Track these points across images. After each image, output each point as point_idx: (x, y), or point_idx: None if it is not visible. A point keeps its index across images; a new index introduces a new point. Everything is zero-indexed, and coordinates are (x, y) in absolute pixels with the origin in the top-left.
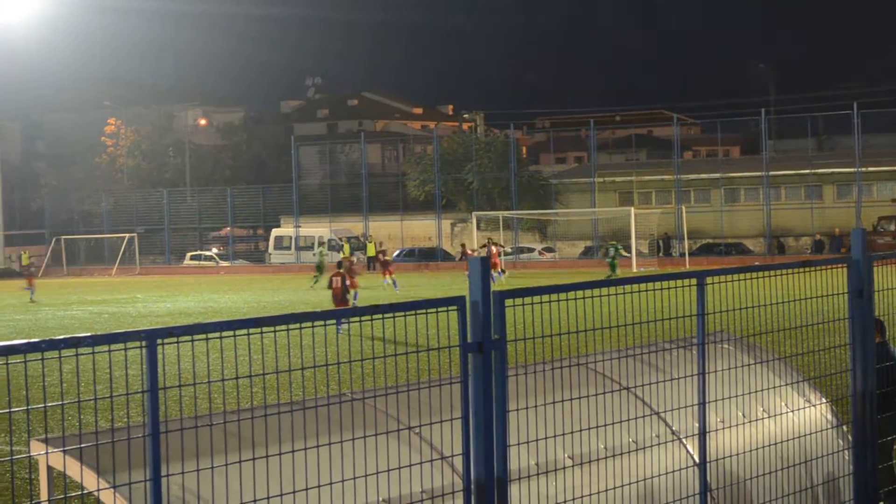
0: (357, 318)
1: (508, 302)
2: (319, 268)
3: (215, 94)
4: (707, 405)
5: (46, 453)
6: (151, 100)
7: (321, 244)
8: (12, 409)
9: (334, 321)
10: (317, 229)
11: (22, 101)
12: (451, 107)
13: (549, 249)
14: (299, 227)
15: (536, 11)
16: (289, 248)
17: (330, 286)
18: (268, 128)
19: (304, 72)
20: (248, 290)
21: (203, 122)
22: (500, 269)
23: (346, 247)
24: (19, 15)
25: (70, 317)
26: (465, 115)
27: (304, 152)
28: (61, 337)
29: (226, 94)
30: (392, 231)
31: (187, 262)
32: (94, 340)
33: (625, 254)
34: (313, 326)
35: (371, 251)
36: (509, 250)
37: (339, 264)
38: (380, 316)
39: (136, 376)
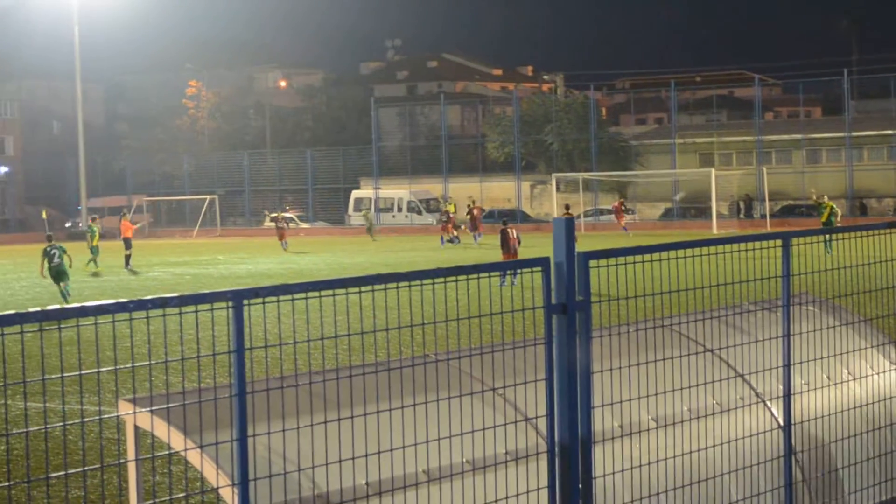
0: (442, 279)
1: (593, 263)
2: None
3: (295, 55)
4: (792, 367)
5: (134, 413)
6: (232, 62)
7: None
8: (100, 369)
9: (419, 281)
10: (396, 191)
11: (105, 63)
12: (530, 68)
13: (630, 211)
14: (379, 188)
15: None
16: (369, 209)
17: (505, 238)
18: (348, 89)
19: (384, 33)
20: (328, 252)
21: (283, 83)
22: (479, 232)
23: (451, 206)
24: None
25: (152, 278)
26: (545, 77)
27: (383, 114)
28: (149, 297)
29: (306, 56)
30: (471, 193)
31: (267, 223)
32: (181, 301)
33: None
34: (398, 287)
35: (452, 211)
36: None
37: (504, 221)
38: (464, 277)
39: (220, 337)
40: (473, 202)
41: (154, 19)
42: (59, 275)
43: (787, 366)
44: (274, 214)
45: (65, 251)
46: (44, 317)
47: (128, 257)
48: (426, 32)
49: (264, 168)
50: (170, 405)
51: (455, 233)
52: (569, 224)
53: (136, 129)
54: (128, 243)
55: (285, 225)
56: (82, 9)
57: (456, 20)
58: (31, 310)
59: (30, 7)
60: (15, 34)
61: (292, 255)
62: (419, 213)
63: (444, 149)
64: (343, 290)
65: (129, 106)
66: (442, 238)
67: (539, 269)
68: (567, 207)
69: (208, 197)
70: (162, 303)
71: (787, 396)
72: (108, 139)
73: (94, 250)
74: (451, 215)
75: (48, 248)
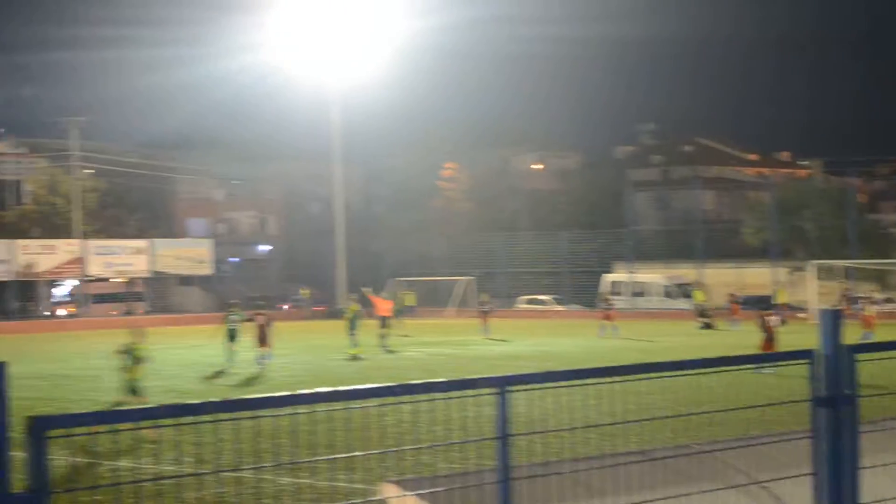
0: (703, 370)
1: (862, 356)
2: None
3: (551, 139)
4: None
5: (402, 496)
6: (488, 144)
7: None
8: (369, 452)
9: (681, 371)
10: (651, 275)
11: (363, 145)
12: (787, 153)
13: (891, 300)
14: (633, 272)
15: (879, 53)
16: (622, 293)
17: (764, 327)
18: (602, 173)
19: (639, 117)
20: (581, 335)
21: (538, 166)
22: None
23: (698, 293)
24: (366, 66)
25: (407, 357)
26: (802, 162)
27: (638, 198)
28: (416, 382)
29: (561, 139)
30: (726, 279)
31: (521, 305)
32: (448, 386)
33: None
34: (661, 377)
35: (699, 298)
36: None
37: (764, 308)
38: (732, 367)
39: (473, 418)
40: (732, 295)
41: (412, 102)
42: (232, 336)
43: None
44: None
45: (242, 318)
46: (312, 399)
47: (383, 336)
48: (681, 117)
49: (518, 250)
50: (435, 489)
51: (615, 322)
52: (835, 316)
53: (394, 210)
54: (385, 322)
55: (490, 309)
56: (342, 91)
57: (711, 105)
58: (300, 392)
59: (292, 90)
60: (278, 116)
61: (495, 341)
62: (674, 298)
63: (699, 233)
64: (608, 379)
65: (386, 187)
66: (602, 327)
67: (805, 361)
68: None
69: (463, 278)
70: (428, 387)
71: None
72: (365, 220)
73: (352, 327)
74: (612, 304)
75: (229, 314)
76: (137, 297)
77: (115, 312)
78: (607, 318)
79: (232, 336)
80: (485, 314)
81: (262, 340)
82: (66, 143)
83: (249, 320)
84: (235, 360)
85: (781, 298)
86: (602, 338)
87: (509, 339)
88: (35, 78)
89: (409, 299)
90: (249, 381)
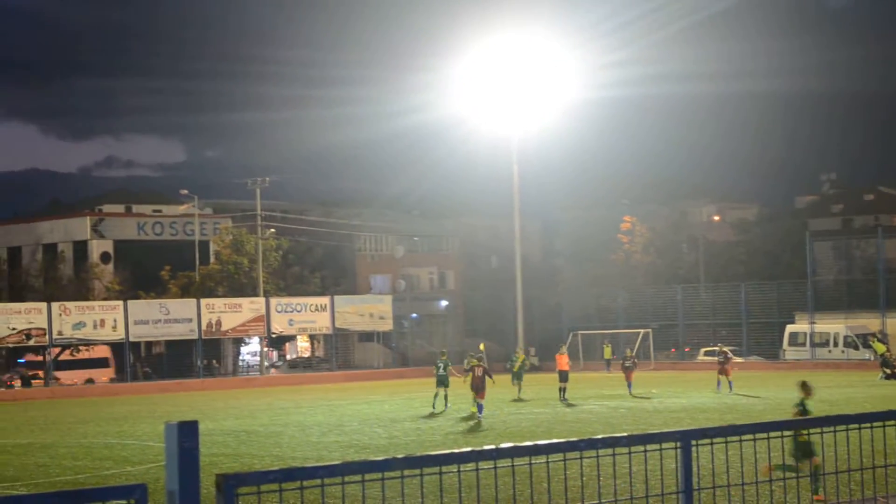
0: (888, 421)
1: None
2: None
3: (729, 190)
4: None
5: None
6: (666, 197)
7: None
8: None
9: (866, 423)
10: (831, 325)
11: (541, 200)
12: None
13: None
14: (814, 323)
15: None
16: (804, 344)
17: None
18: (781, 223)
19: (819, 167)
20: (762, 387)
21: (717, 218)
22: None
23: (879, 344)
24: (543, 121)
25: (587, 411)
26: None
27: (818, 248)
28: (599, 437)
29: (739, 190)
30: None
31: (701, 357)
32: (630, 440)
33: None
34: (847, 430)
35: (880, 349)
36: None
37: None
38: None
39: (653, 472)
40: None
41: (588, 155)
42: (441, 381)
43: None
44: (717, 348)
45: (449, 364)
46: (496, 455)
47: (562, 390)
48: (862, 166)
49: (697, 302)
50: None
51: (730, 377)
52: None
53: (572, 263)
54: (563, 376)
55: (633, 364)
56: (521, 148)
57: (893, 153)
58: (484, 447)
59: (470, 146)
60: (457, 172)
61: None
62: (856, 348)
63: (882, 283)
64: (790, 432)
65: (564, 241)
66: (718, 382)
67: None
68: None
69: (642, 330)
70: (612, 442)
71: None
72: (544, 274)
73: (516, 376)
74: (728, 356)
75: (438, 362)
76: (103, 364)
77: (76, 381)
78: (724, 372)
79: (442, 382)
80: (628, 370)
81: (480, 390)
82: (250, 203)
83: (470, 370)
84: (447, 405)
85: (880, 349)
86: (718, 394)
87: (689, 392)
88: (220, 140)
89: (606, 352)
90: (441, 432)
